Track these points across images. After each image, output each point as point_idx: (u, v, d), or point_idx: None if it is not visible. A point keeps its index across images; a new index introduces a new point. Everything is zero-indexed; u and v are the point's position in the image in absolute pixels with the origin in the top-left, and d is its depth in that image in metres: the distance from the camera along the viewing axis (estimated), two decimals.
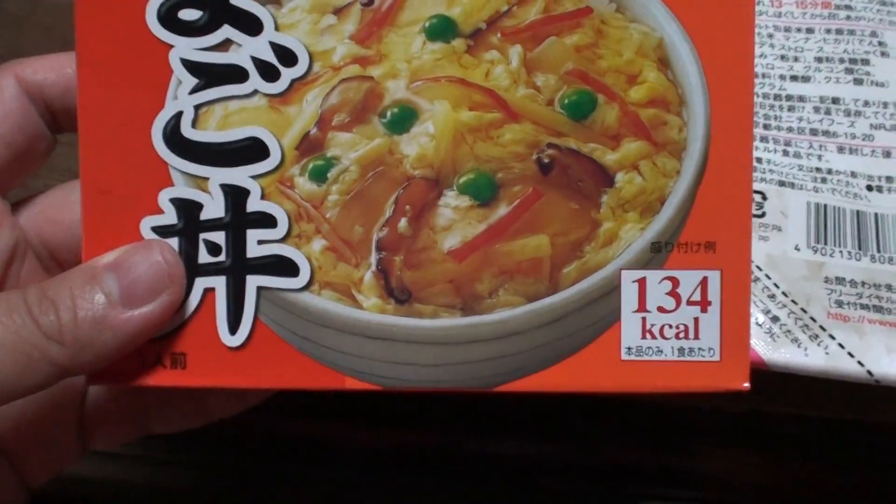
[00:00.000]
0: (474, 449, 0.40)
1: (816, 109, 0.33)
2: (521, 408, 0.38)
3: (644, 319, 0.24)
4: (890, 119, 0.32)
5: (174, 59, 0.25)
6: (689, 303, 0.24)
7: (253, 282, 0.24)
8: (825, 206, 0.31)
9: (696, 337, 0.24)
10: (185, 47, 0.25)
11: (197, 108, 0.25)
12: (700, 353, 0.24)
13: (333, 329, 0.24)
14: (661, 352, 0.24)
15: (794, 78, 0.33)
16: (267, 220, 0.25)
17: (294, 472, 0.42)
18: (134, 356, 0.24)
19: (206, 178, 0.25)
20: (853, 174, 0.32)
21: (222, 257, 0.25)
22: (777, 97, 0.33)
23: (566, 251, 0.25)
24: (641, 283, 0.24)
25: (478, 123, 0.25)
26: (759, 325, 0.30)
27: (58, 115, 0.28)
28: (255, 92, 0.25)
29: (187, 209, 0.25)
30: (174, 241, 0.24)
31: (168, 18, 0.25)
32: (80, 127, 0.25)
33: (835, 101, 0.33)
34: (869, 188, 0.32)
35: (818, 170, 0.32)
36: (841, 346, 0.29)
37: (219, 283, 0.25)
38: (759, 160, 0.32)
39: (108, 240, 0.24)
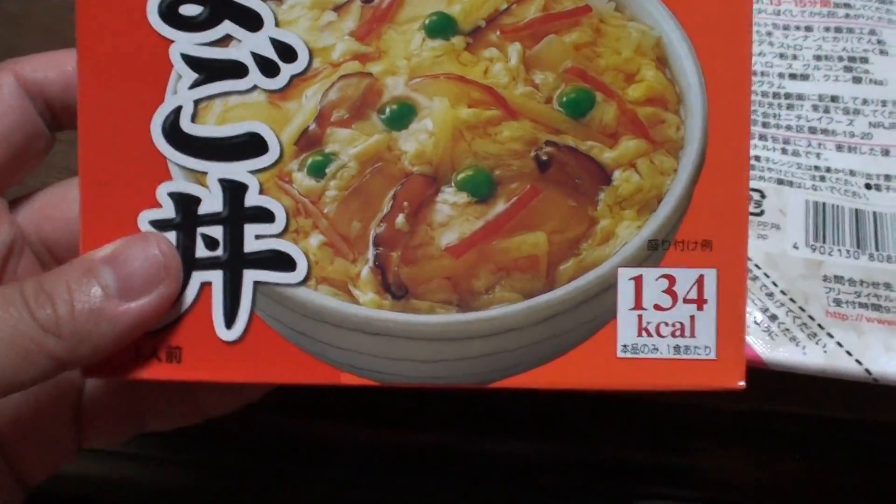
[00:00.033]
0: (474, 448, 0.40)
1: (815, 108, 0.33)
2: (520, 407, 0.38)
3: (640, 317, 0.24)
4: (889, 117, 0.32)
5: (174, 53, 0.25)
6: (686, 301, 0.24)
7: (250, 276, 0.25)
8: (824, 204, 0.31)
9: (692, 335, 0.24)
10: (185, 42, 0.25)
11: (196, 102, 0.25)
12: (696, 351, 0.24)
13: (329, 324, 0.24)
14: (657, 350, 0.24)
15: (792, 76, 0.33)
16: (265, 215, 0.25)
17: (294, 472, 0.42)
18: (130, 350, 0.24)
19: (205, 173, 0.25)
20: (852, 172, 0.32)
21: (219, 252, 0.25)
22: (776, 95, 0.33)
23: (563, 248, 0.25)
24: (638, 280, 0.24)
25: (476, 120, 0.25)
26: (758, 324, 0.30)
27: (58, 113, 0.28)
28: (255, 87, 0.25)
29: (185, 203, 0.25)
30: (172, 235, 0.25)
31: (169, 14, 0.25)
32: (80, 120, 0.25)
33: (833, 99, 0.33)
34: (867, 186, 0.32)
35: (817, 168, 0.32)
36: (839, 344, 0.29)
37: (216, 277, 0.25)
38: (757, 158, 0.32)
39: (106, 233, 0.24)
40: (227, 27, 0.25)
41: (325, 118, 0.25)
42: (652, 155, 0.25)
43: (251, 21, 0.25)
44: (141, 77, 0.25)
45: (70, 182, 0.29)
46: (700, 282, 0.24)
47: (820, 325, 0.29)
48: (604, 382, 0.24)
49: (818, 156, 0.32)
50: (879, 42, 0.33)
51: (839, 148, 0.32)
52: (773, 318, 0.30)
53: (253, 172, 0.25)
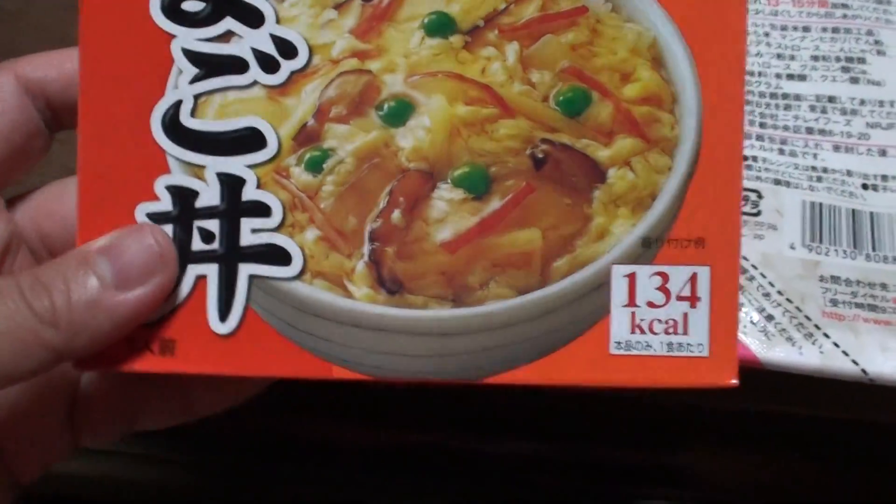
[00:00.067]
0: (473, 448, 0.40)
1: (812, 108, 0.33)
2: (518, 407, 0.38)
3: (633, 314, 0.24)
4: (886, 118, 0.32)
5: (176, 49, 0.25)
6: (679, 298, 0.24)
7: (245, 270, 0.25)
8: (820, 204, 0.31)
9: (685, 332, 0.24)
10: (186, 38, 0.25)
11: (196, 97, 0.25)
12: (689, 348, 0.24)
13: (324, 318, 0.24)
14: (650, 346, 0.24)
15: (790, 76, 0.33)
16: (261, 209, 0.25)
17: (294, 471, 0.42)
18: (123, 342, 0.24)
19: (203, 167, 0.25)
20: (849, 173, 0.32)
21: (215, 245, 0.25)
22: (773, 96, 0.33)
23: (557, 245, 0.25)
24: (631, 277, 0.24)
25: (473, 118, 0.25)
26: (754, 324, 0.30)
27: (57, 112, 0.28)
28: (255, 83, 0.25)
29: (183, 196, 0.25)
30: (168, 228, 0.25)
31: (171, 9, 0.25)
32: (80, 112, 0.25)
33: (831, 99, 0.33)
34: (864, 187, 0.32)
35: (814, 168, 0.32)
36: (836, 344, 0.29)
37: (211, 270, 0.25)
38: (754, 158, 0.32)
39: (103, 225, 0.25)
40: (228, 23, 0.25)
41: (323, 114, 0.25)
42: (647, 153, 0.25)
43: (252, 18, 0.25)
44: (142, 71, 0.25)
45: (67, 180, 0.29)
46: (693, 279, 0.24)
47: (816, 326, 0.29)
48: (597, 379, 0.24)
49: (815, 156, 0.32)
50: (877, 43, 0.33)
51: (836, 148, 0.32)
52: (770, 318, 0.30)
53: (251, 167, 0.25)
